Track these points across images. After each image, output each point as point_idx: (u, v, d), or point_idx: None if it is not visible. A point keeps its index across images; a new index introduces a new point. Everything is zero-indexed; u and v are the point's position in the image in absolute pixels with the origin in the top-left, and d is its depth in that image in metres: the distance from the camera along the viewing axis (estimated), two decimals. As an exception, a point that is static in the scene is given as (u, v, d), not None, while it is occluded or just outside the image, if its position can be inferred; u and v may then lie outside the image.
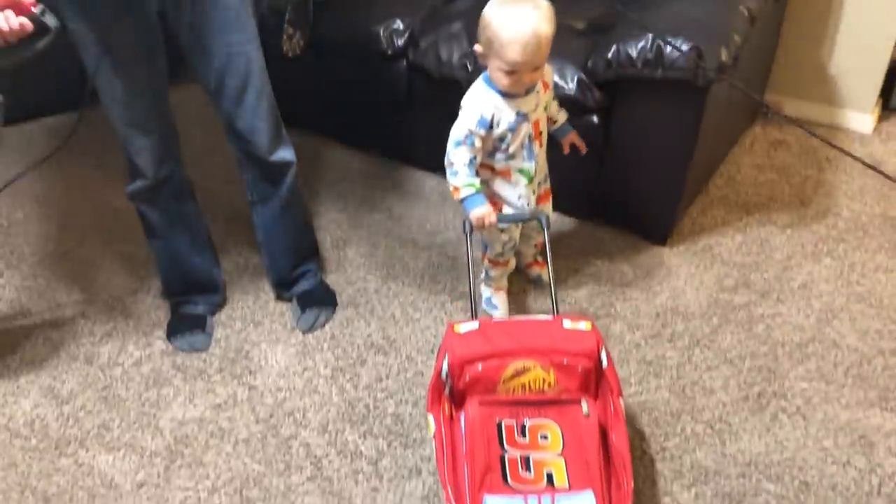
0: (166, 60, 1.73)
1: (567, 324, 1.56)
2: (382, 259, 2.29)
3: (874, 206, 2.41)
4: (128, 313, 2.14)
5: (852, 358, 1.93)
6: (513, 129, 1.72)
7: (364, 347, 2.01)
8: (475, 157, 1.72)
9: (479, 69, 2.21)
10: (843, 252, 2.25)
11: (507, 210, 1.84)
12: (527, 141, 1.76)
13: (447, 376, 1.53)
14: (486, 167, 1.80)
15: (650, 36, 1.96)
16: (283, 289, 2.14)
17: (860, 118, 2.74)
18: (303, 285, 2.12)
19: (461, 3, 2.48)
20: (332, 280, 2.21)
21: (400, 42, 2.37)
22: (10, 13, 1.33)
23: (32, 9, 1.36)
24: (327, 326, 2.07)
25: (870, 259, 2.22)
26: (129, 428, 1.82)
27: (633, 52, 1.97)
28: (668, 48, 1.93)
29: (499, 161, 1.78)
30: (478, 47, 1.67)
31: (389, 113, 2.55)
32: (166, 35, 1.69)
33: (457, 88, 2.27)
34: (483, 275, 2.08)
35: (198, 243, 2.02)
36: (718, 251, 2.26)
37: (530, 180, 1.81)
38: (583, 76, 2.09)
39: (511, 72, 1.61)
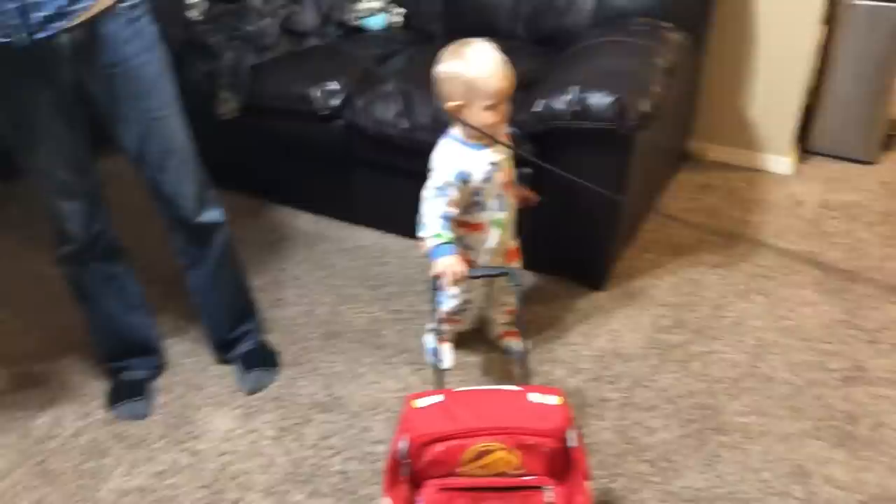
0: (88, 126, 1.72)
1: (535, 397, 1.46)
2: (325, 316, 2.29)
3: (798, 244, 2.52)
4: (64, 384, 2.09)
5: (785, 390, 1.99)
6: (487, 180, 1.76)
7: (309, 406, 2.00)
8: (450, 212, 1.73)
9: (416, 126, 2.28)
10: (772, 289, 2.33)
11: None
12: (499, 191, 1.81)
13: (406, 457, 1.46)
14: (460, 224, 1.81)
15: (576, 89, 2.04)
16: (223, 351, 2.12)
17: (780, 161, 2.87)
18: (244, 346, 2.10)
19: (393, 64, 2.56)
20: (274, 339, 2.20)
21: (336, 102, 2.41)
22: None
23: None
24: (271, 387, 2.06)
25: (796, 294, 2.31)
26: (67, 502, 1.76)
27: (561, 105, 2.05)
28: (593, 100, 2.01)
29: (473, 215, 1.81)
30: (451, 104, 1.70)
31: (328, 171, 2.59)
32: (87, 103, 1.68)
33: (393, 145, 2.34)
34: (432, 326, 2.09)
35: (131, 304, 2.00)
36: (653, 293, 2.33)
37: (503, 231, 1.85)
38: (514, 129, 2.16)
39: (494, 105, 1.67)
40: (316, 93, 2.42)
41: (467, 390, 1.54)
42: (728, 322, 2.22)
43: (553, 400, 1.48)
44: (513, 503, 1.46)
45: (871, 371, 2.04)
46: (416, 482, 1.49)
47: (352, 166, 2.52)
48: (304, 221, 2.72)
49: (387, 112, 2.34)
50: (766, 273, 2.40)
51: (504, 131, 1.81)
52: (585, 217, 2.22)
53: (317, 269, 2.49)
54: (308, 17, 2.65)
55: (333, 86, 2.42)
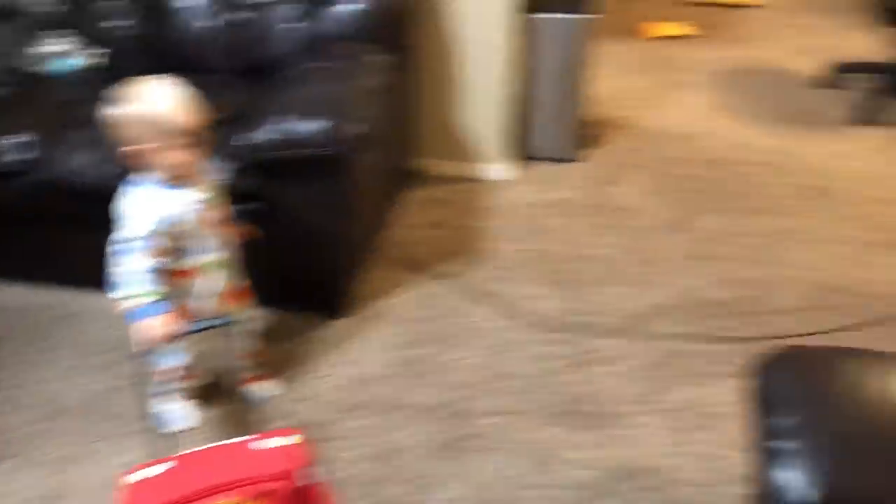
0: None
1: (271, 442, 1.41)
2: (46, 394, 2.05)
3: (522, 244, 2.66)
4: None
5: (526, 384, 2.08)
6: (192, 220, 1.65)
7: (30, 501, 1.76)
8: (158, 263, 1.59)
9: (122, 172, 2.10)
10: (504, 290, 2.44)
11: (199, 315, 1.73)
12: (210, 231, 1.70)
13: None
14: (173, 274, 1.67)
15: (289, 117, 2.00)
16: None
17: (499, 168, 3.03)
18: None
19: (86, 110, 2.35)
20: (-20, 433, 1.92)
21: (23, 156, 2.17)
22: None
23: None
24: (-21, 488, 1.79)
25: (527, 291, 2.43)
26: None
27: (276, 135, 2.00)
28: (305, 127, 1.98)
29: (179, 261, 1.68)
30: (132, 148, 1.57)
31: (21, 234, 2.31)
32: None
33: (94, 196, 2.14)
34: (165, 389, 1.93)
35: None
36: (393, 311, 2.34)
37: (222, 272, 1.75)
38: (234, 164, 2.07)
39: (187, 144, 1.56)
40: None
41: (197, 451, 1.43)
42: (467, 328, 2.28)
43: (291, 440, 1.42)
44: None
45: (599, 352, 2.19)
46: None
47: (48, 224, 2.28)
48: (10, 294, 2.42)
49: (84, 160, 2.14)
50: (497, 275, 2.51)
51: (204, 167, 1.72)
52: (315, 246, 2.18)
53: (27, 344, 2.22)
54: (-20, 67, 2.37)
55: (22, 138, 2.18)
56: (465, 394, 2.05)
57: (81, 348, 2.20)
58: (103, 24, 2.60)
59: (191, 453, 1.41)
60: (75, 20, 2.61)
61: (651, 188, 2.96)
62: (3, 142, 2.17)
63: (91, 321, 2.30)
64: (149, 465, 1.37)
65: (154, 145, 1.57)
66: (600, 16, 2.93)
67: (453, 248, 2.64)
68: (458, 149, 3.01)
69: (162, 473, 1.35)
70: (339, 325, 2.28)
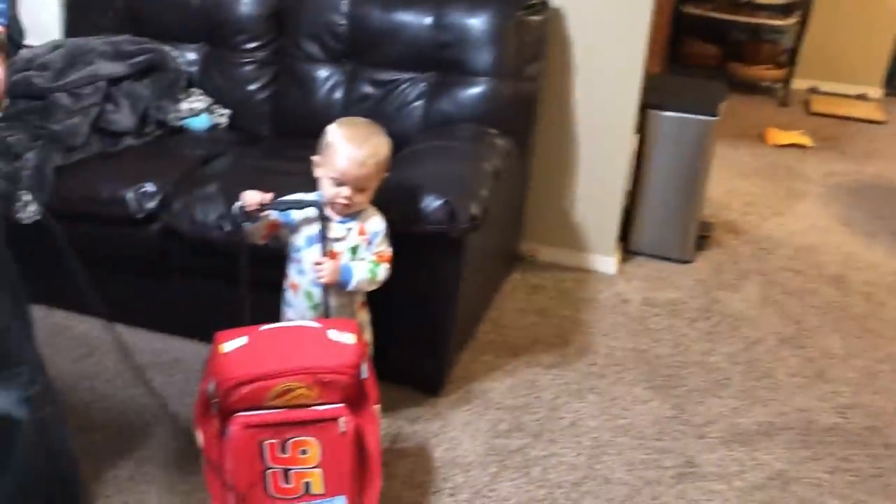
0: None
1: (333, 335, 1.65)
2: (138, 439, 2.07)
3: (626, 342, 2.58)
4: None
5: (623, 491, 1.97)
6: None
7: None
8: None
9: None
10: (604, 387, 2.36)
11: None
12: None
13: (214, 397, 1.58)
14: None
15: (407, 193, 2.01)
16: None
17: (605, 261, 2.98)
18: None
19: (217, 165, 2.44)
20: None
21: (151, 204, 2.26)
22: None
23: None
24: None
25: (628, 392, 2.34)
26: None
27: (395, 212, 1.99)
28: (423, 204, 1.99)
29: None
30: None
31: (143, 279, 2.39)
32: None
33: (214, 249, 2.20)
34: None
35: None
36: (490, 396, 2.28)
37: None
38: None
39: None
40: (129, 195, 2.26)
41: (270, 329, 1.67)
42: (565, 423, 2.20)
43: (349, 338, 1.65)
44: (310, 432, 1.61)
45: (701, 466, 2.07)
46: (225, 414, 1.60)
47: (168, 272, 2.35)
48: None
49: (208, 214, 2.21)
50: (599, 371, 2.43)
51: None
52: (419, 322, 2.16)
53: (130, 386, 2.26)
54: (124, 117, 2.50)
55: (149, 188, 2.27)
56: (556, 494, 1.96)
57: (179, 397, 2.22)
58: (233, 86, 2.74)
59: (267, 330, 1.66)
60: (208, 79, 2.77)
61: (765, 298, 2.84)
62: (139, 189, 2.27)
63: (187, 371, 2.33)
64: (233, 336, 1.63)
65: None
66: (722, 118, 2.90)
67: (554, 338, 2.58)
68: (567, 237, 2.98)
69: (242, 347, 1.60)
70: (436, 404, 2.23)
